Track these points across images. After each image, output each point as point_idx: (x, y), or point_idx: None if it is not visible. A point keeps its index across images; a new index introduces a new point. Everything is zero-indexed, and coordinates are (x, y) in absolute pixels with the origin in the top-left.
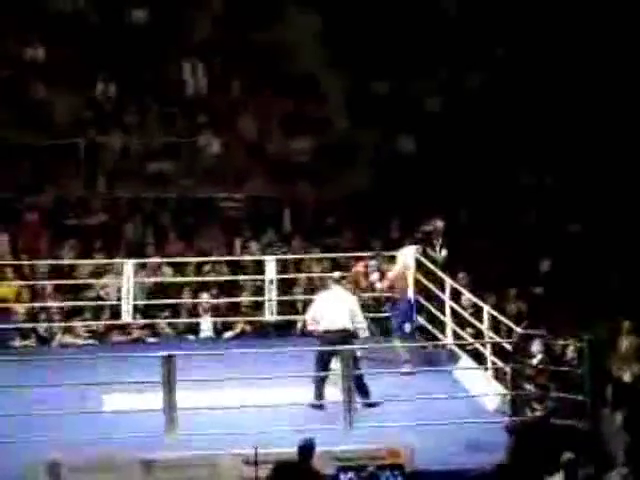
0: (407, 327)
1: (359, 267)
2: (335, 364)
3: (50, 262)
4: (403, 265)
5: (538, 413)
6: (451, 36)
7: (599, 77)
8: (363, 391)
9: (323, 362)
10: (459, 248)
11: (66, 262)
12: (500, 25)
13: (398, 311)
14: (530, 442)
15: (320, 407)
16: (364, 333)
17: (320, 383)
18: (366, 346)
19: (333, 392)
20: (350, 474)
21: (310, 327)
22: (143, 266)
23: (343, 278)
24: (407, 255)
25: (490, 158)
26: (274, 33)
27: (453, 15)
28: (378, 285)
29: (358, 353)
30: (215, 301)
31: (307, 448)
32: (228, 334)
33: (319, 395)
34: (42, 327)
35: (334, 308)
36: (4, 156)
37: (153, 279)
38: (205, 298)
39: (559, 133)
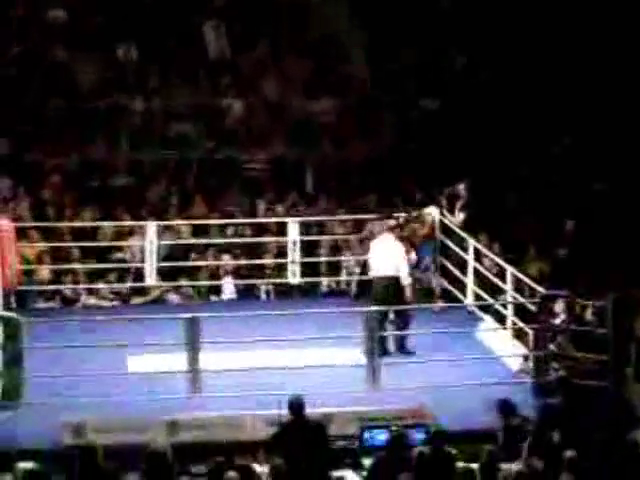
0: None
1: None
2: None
3: (74, 224)
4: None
5: (561, 373)
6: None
7: (619, 36)
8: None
9: (379, 317)
10: (482, 210)
11: (89, 224)
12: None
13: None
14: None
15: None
16: (406, 280)
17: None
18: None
19: (356, 353)
20: (374, 433)
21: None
22: (166, 228)
23: (396, 227)
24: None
25: (513, 118)
26: None
27: None
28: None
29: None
30: (238, 262)
31: (296, 404)
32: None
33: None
34: (67, 289)
35: (380, 256)
36: (26, 119)
37: (176, 241)
38: (228, 260)
39: (584, 91)
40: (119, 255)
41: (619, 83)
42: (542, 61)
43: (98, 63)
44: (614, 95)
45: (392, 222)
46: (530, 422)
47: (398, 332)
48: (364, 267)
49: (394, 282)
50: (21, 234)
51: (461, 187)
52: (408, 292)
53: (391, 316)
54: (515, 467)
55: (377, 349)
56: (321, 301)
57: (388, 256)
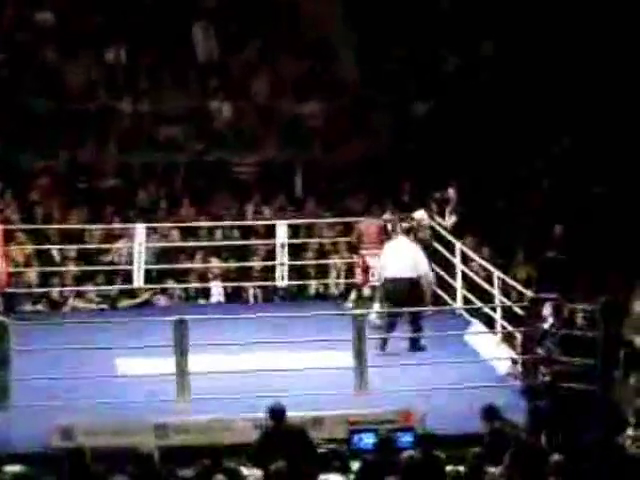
0: None
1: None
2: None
3: (62, 227)
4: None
5: (547, 377)
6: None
7: (618, 36)
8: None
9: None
10: (471, 213)
11: (78, 227)
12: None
13: None
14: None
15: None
16: (428, 279)
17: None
18: (382, 310)
19: (344, 356)
20: (362, 436)
21: (379, 275)
22: (155, 231)
23: (411, 229)
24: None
25: (506, 121)
26: None
27: None
28: None
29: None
30: (226, 265)
31: (277, 411)
32: None
33: (382, 345)
34: (55, 292)
35: (399, 257)
36: (15, 121)
37: (164, 244)
38: (216, 263)
39: (578, 93)
40: (107, 258)
41: (618, 85)
42: (542, 63)
43: (87, 65)
44: (613, 98)
45: (406, 224)
46: (516, 426)
47: (408, 335)
48: (350, 270)
49: (412, 283)
50: (9, 237)
51: (451, 191)
52: (428, 293)
53: (405, 318)
54: (498, 471)
55: (380, 346)
56: (309, 304)
57: (405, 257)
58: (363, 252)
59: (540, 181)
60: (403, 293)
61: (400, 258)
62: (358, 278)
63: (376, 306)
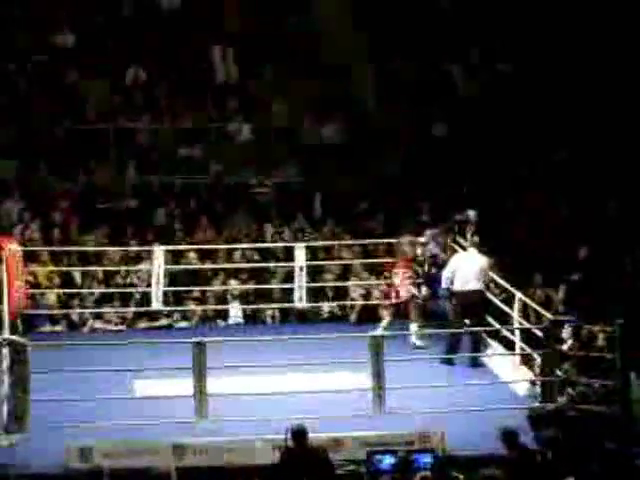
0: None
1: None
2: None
3: (81, 248)
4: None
5: (565, 399)
6: (481, 19)
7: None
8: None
9: (460, 321)
10: (492, 235)
11: (97, 248)
12: (528, 9)
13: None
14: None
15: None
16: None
17: (456, 343)
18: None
19: (363, 378)
20: (381, 458)
21: (444, 285)
22: (173, 252)
23: (481, 245)
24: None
25: (523, 142)
26: (304, 18)
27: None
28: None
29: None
30: (244, 287)
31: (299, 432)
32: None
33: (454, 351)
34: (75, 313)
35: (466, 270)
36: (36, 142)
37: (183, 266)
38: (234, 284)
39: (592, 112)
40: (127, 280)
41: (632, 107)
42: (551, 80)
43: (106, 86)
44: (626, 118)
45: (476, 238)
46: (530, 450)
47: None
48: (368, 292)
49: (479, 295)
50: (31, 257)
51: (471, 213)
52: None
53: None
54: None
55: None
56: (326, 326)
57: (472, 270)
58: (395, 271)
59: (559, 202)
60: (470, 305)
61: (468, 271)
62: (391, 298)
63: (413, 326)
